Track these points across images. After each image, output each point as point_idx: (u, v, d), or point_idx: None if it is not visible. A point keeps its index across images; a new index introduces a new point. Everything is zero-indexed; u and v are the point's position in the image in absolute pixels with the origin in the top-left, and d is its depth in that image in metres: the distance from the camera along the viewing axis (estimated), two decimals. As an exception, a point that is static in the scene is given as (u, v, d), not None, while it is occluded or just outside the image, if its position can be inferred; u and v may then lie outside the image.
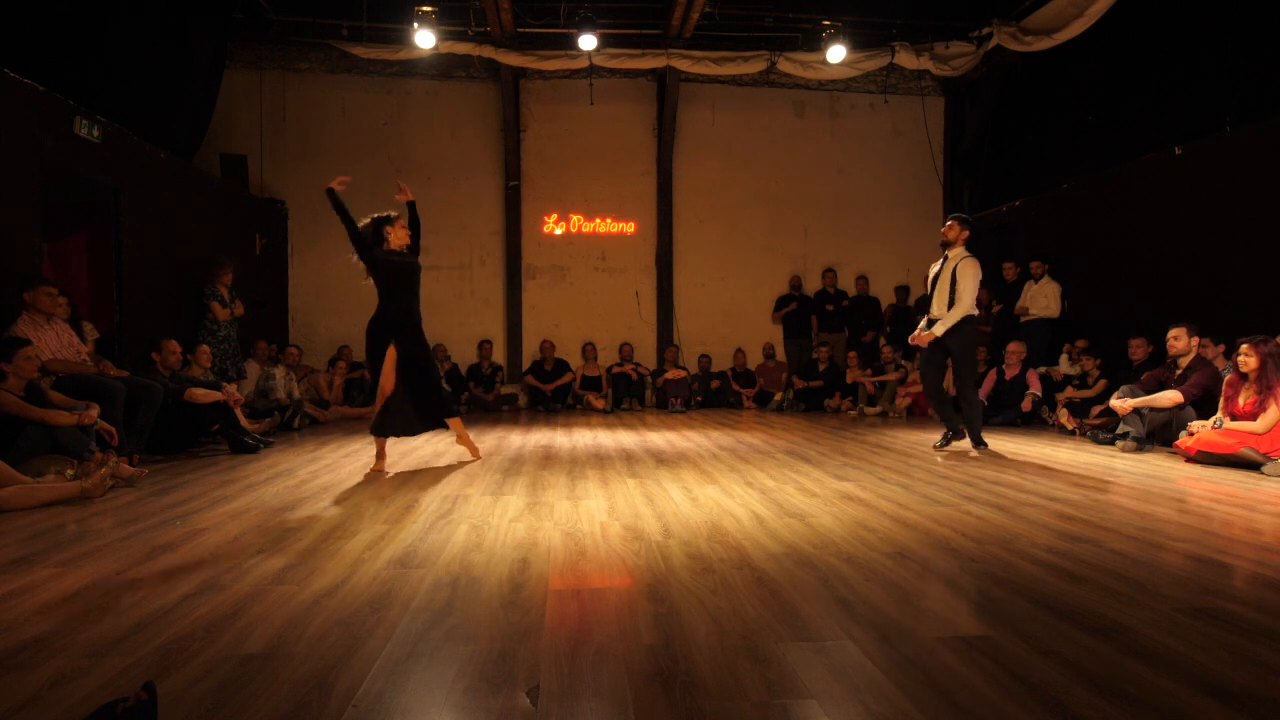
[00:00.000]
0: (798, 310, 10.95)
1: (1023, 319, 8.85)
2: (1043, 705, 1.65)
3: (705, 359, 10.90)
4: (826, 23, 9.70)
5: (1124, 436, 5.88)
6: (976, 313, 5.79)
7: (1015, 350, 8.09)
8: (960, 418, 5.87)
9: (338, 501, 3.93)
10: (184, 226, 7.92)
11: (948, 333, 5.69)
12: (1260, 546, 3.02)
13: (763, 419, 8.90)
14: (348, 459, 5.56)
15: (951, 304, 5.68)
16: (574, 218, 11.12)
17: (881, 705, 1.66)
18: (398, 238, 5.34)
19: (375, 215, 5.39)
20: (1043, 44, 8.77)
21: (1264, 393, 4.95)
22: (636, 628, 2.12)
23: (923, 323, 5.90)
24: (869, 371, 9.81)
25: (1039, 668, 1.84)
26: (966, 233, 5.78)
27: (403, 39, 9.39)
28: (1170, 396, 5.74)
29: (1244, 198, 6.85)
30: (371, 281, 5.28)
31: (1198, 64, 7.66)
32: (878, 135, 11.55)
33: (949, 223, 5.86)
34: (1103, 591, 2.41)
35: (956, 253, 5.76)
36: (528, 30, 9.85)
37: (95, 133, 6.43)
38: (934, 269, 5.93)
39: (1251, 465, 4.85)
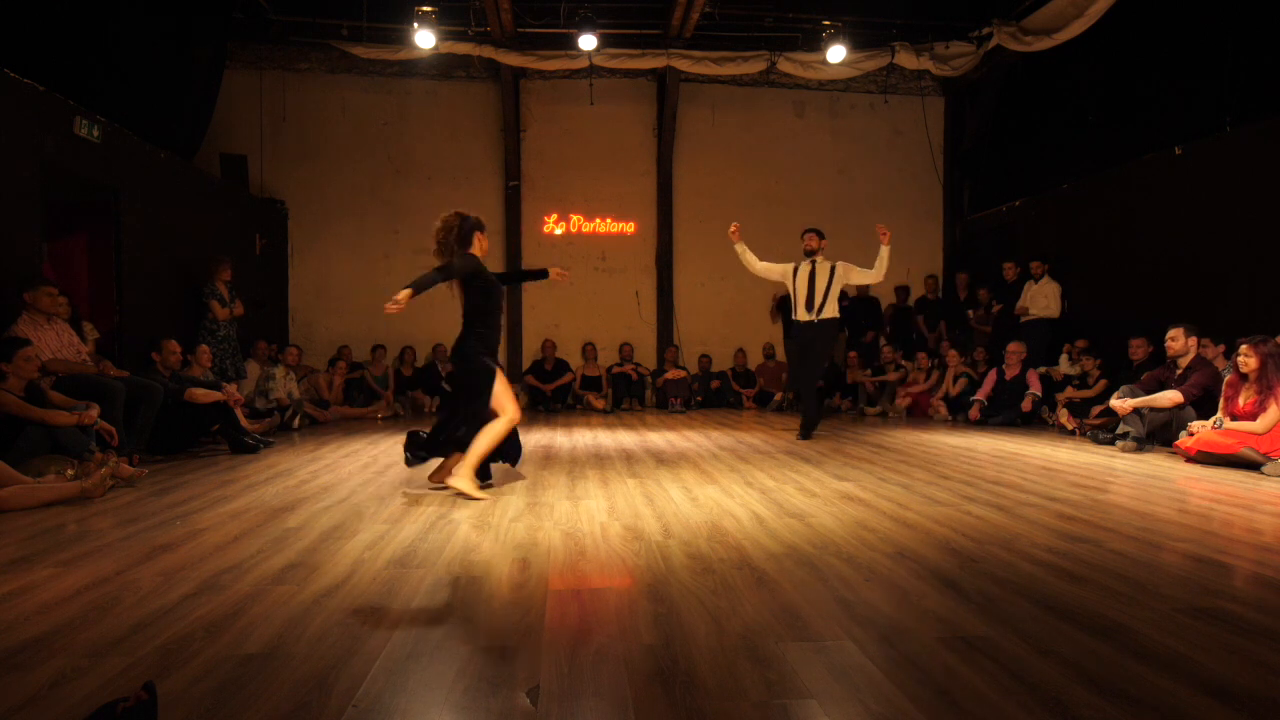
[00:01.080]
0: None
1: (1023, 319, 8.85)
2: (1043, 705, 1.65)
3: (705, 359, 10.90)
4: (826, 23, 9.69)
5: (1124, 436, 5.88)
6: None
7: (1015, 350, 8.09)
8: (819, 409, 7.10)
9: (338, 501, 3.92)
10: (184, 226, 7.92)
11: (825, 328, 6.76)
12: (1260, 546, 3.02)
13: (763, 419, 8.90)
14: (348, 459, 5.56)
15: (825, 305, 6.67)
16: (574, 218, 11.12)
17: (881, 705, 1.66)
18: (483, 247, 4.34)
19: (462, 212, 4.30)
20: (1043, 44, 8.77)
21: (1264, 393, 4.95)
22: (636, 628, 2.12)
23: (799, 316, 6.81)
24: (869, 371, 9.81)
25: (1039, 668, 1.84)
26: (825, 242, 6.85)
27: (403, 39, 9.39)
28: (1170, 396, 5.74)
29: (1244, 198, 6.85)
30: (457, 294, 4.25)
31: (1198, 64, 7.65)
32: (878, 135, 11.55)
33: (809, 234, 6.84)
34: (1103, 591, 2.41)
35: (824, 260, 6.74)
36: (528, 30, 9.85)
37: (95, 133, 6.43)
38: (801, 271, 6.78)
39: (1251, 465, 4.85)
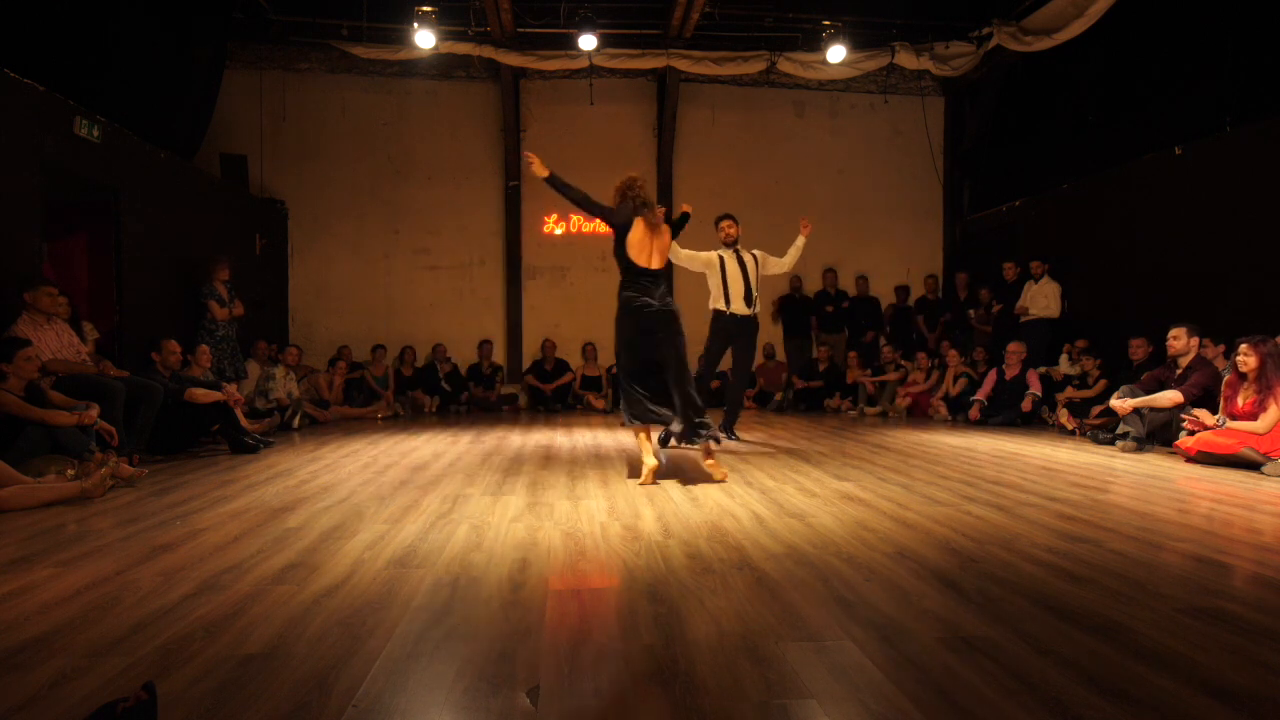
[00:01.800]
0: (797, 310, 10.95)
1: (1023, 319, 8.85)
2: (1043, 705, 1.65)
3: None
4: (826, 23, 9.69)
5: (1124, 436, 5.88)
6: None
7: (1015, 350, 8.09)
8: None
9: (338, 501, 3.92)
10: (184, 226, 7.92)
11: (756, 323, 6.44)
12: (1260, 546, 3.02)
13: (763, 419, 8.90)
14: (348, 459, 5.56)
15: (758, 297, 6.35)
16: (574, 218, 11.11)
17: (881, 705, 1.66)
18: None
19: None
20: (1043, 44, 8.77)
21: (1263, 392, 4.95)
22: (636, 628, 2.12)
23: (737, 310, 6.29)
24: (869, 371, 9.81)
25: (1039, 668, 1.84)
26: (741, 228, 6.48)
27: (403, 39, 9.39)
28: (1170, 396, 5.74)
29: (1244, 198, 6.85)
30: (662, 253, 4.87)
31: (1198, 64, 7.65)
32: (878, 135, 11.55)
33: (726, 221, 6.41)
34: (1103, 591, 2.41)
35: (744, 249, 6.38)
36: (528, 30, 9.85)
37: (95, 133, 6.43)
38: (729, 261, 6.29)
39: (1252, 465, 4.85)
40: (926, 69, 10.24)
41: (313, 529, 3.30)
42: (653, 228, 4.58)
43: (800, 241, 6.41)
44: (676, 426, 4.45)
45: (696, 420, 4.42)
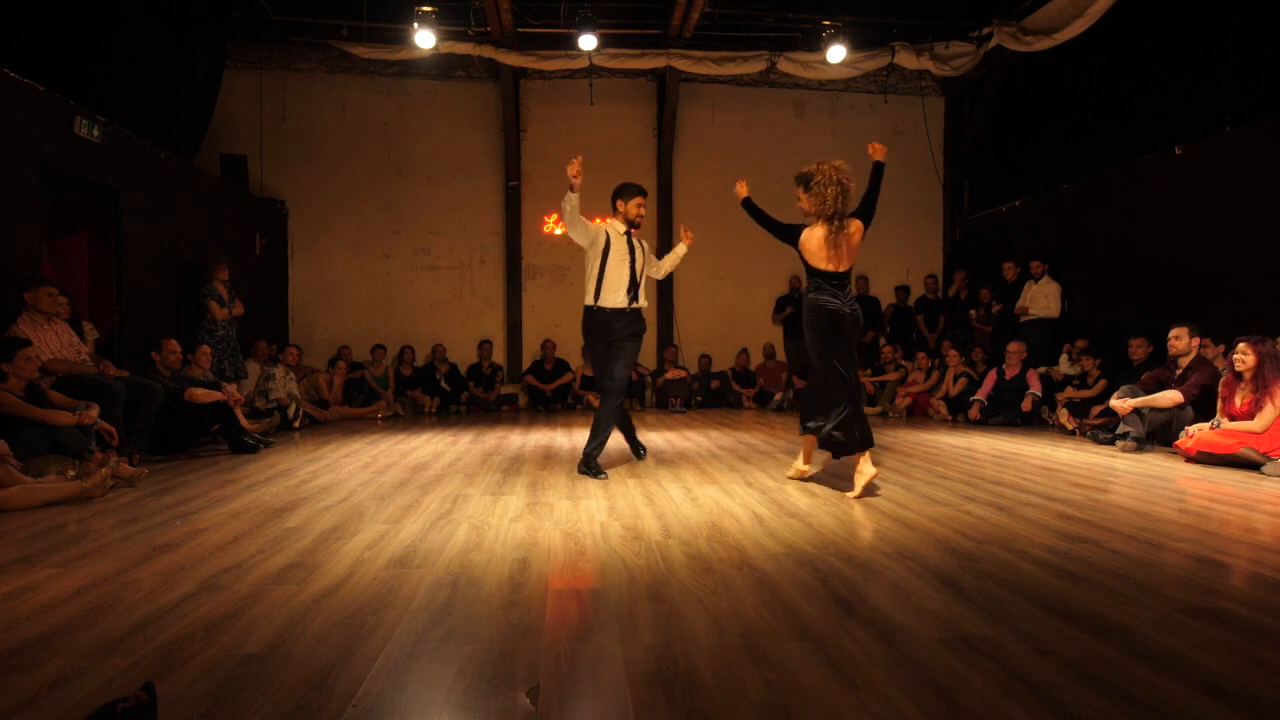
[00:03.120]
0: (797, 310, 10.95)
1: (1023, 319, 8.85)
2: (1043, 705, 1.65)
3: (705, 359, 10.90)
4: (826, 23, 9.69)
5: (1124, 436, 5.88)
6: None
7: (1015, 350, 8.09)
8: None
9: (338, 501, 3.93)
10: (184, 226, 7.91)
11: (640, 319, 5.18)
12: (1259, 546, 3.02)
13: (763, 419, 8.90)
14: (348, 459, 5.56)
15: (640, 291, 5.16)
16: (574, 217, 11.11)
17: (881, 705, 1.66)
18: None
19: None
20: (1043, 44, 8.77)
21: (1260, 392, 4.95)
22: (636, 628, 2.12)
23: (609, 302, 5.06)
24: (869, 371, 9.82)
25: (1039, 668, 1.84)
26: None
27: (403, 39, 9.39)
28: (1170, 396, 5.74)
29: (1244, 198, 6.85)
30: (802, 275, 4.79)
31: (1198, 64, 7.65)
32: (878, 135, 11.39)
33: (642, 198, 5.23)
34: (1103, 591, 2.41)
35: (638, 236, 5.26)
36: (528, 30, 9.85)
37: (95, 133, 6.43)
38: (616, 243, 5.11)
39: (1251, 465, 4.85)
40: (926, 69, 10.24)
41: (313, 529, 3.30)
42: (836, 231, 4.65)
43: (681, 250, 5.48)
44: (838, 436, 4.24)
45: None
